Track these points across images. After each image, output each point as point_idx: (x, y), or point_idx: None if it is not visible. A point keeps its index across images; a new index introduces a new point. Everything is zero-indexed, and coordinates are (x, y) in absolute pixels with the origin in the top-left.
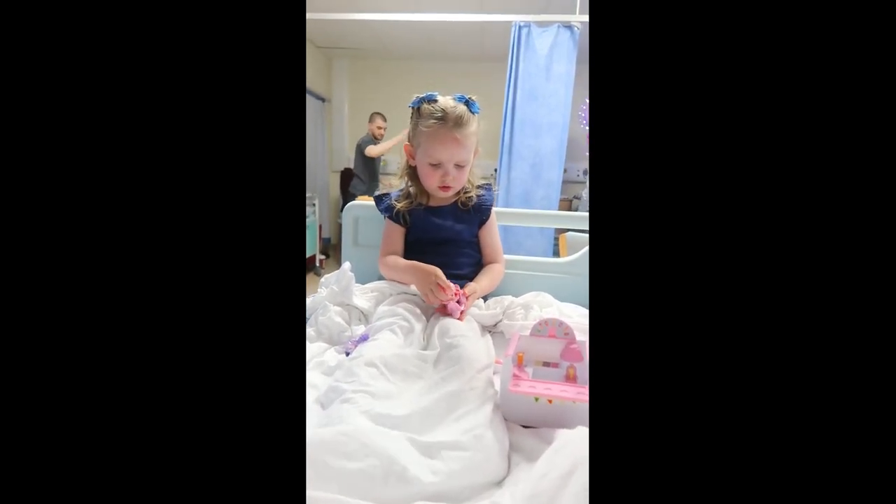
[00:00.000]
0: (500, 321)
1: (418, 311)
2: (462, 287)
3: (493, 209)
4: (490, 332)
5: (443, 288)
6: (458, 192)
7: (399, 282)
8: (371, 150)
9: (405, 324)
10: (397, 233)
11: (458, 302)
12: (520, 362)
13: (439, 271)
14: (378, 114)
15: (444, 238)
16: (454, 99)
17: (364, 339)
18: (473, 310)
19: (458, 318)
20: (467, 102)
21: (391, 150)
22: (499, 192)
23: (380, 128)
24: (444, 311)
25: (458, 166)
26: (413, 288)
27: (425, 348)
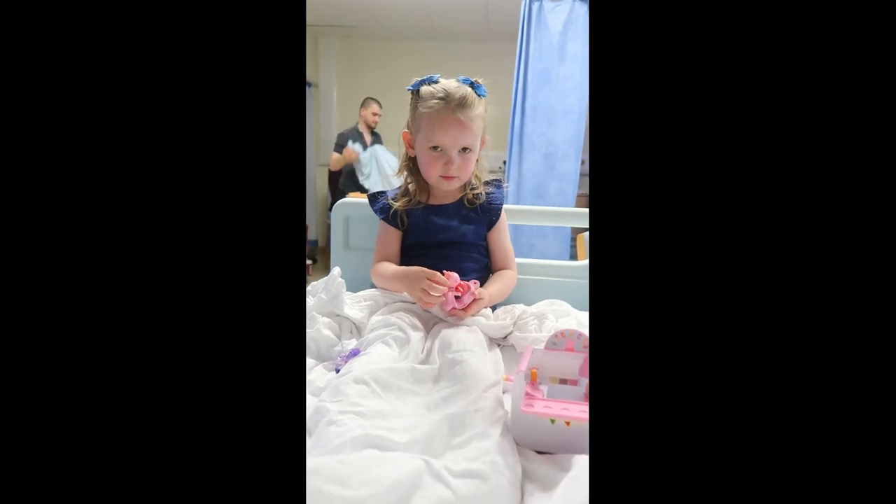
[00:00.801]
0: (511, 333)
1: (416, 320)
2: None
3: (503, 208)
4: (499, 345)
5: (435, 282)
6: (464, 188)
7: (392, 290)
8: (332, 164)
9: (400, 334)
10: (392, 236)
11: (458, 297)
12: (533, 379)
13: (428, 270)
14: (372, 99)
15: (447, 240)
16: (458, 81)
17: (355, 353)
18: (480, 320)
19: (460, 314)
20: (472, 85)
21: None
22: (509, 187)
23: (375, 114)
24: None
25: (463, 153)
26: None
27: (424, 362)
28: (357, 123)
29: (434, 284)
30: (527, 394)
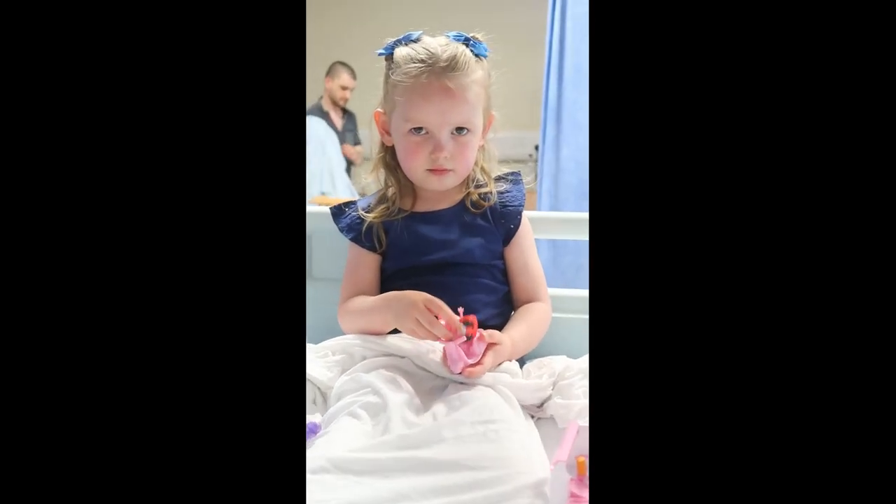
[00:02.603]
0: (549, 398)
1: (402, 379)
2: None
3: (527, 214)
4: (532, 416)
5: (434, 316)
6: (465, 186)
7: (372, 332)
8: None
9: (373, 399)
10: (366, 262)
11: (466, 345)
12: (581, 472)
13: (428, 296)
14: (342, 64)
15: (445, 260)
16: (448, 38)
17: (312, 431)
18: (504, 377)
19: (475, 371)
20: (468, 42)
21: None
22: (539, 181)
23: (344, 88)
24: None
25: (457, 136)
26: (400, 343)
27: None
28: (321, 99)
29: (432, 317)
30: (572, 495)
